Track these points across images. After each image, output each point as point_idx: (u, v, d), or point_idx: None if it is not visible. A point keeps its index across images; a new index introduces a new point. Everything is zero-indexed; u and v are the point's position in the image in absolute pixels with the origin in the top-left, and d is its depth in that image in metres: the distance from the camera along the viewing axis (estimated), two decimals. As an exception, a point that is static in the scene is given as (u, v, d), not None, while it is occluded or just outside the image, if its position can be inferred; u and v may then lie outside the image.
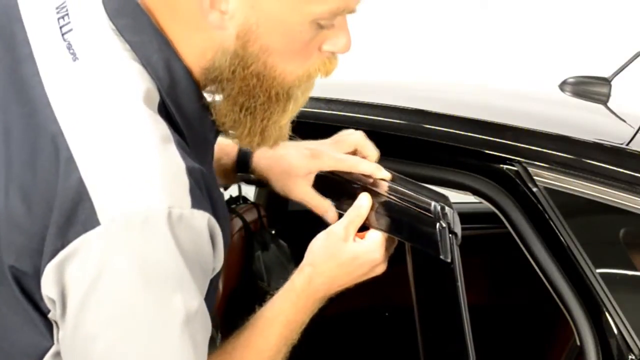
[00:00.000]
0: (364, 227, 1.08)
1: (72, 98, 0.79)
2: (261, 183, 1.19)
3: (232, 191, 2.53)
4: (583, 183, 1.25)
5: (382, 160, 1.31)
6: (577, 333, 1.23)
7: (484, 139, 1.33)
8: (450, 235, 1.11)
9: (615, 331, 1.18)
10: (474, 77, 2.28)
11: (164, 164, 0.76)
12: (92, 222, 0.73)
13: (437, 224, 1.11)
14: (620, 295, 1.19)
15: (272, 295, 1.04)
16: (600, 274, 1.20)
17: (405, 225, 1.13)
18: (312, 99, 1.46)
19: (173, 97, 0.83)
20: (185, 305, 0.77)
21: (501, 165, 1.29)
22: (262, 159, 1.12)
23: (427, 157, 1.34)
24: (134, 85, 0.80)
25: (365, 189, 1.12)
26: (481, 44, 4.08)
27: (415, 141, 1.34)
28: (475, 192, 1.32)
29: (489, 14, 4.15)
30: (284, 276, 2.64)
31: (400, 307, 2.47)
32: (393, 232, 1.10)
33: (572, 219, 1.23)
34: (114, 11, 0.84)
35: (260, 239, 2.43)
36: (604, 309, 1.19)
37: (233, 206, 2.47)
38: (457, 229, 1.14)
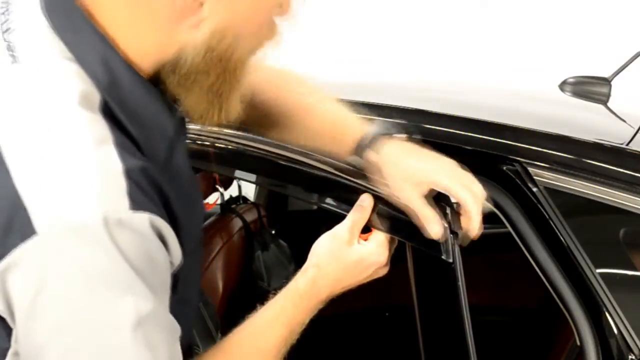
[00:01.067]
0: (366, 228, 1.08)
1: (7, 104, 0.78)
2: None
3: (232, 191, 2.53)
4: (583, 183, 1.25)
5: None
6: (577, 333, 1.23)
7: (484, 139, 1.33)
8: (451, 235, 1.11)
9: (615, 331, 1.18)
10: (474, 77, 2.27)
11: (98, 168, 0.75)
12: (28, 231, 0.72)
13: (438, 224, 1.11)
14: (620, 295, 1.19)
15: (273, 294, 1.03)
16: (600, 274, 1.20)
17: (406, 225, 1.13)
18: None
19: (115, 96, 0.81)
20: (136, 308, 0.74)
21: (501, 165, 1.29)
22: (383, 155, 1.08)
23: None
24: (70, 87, 0.78)
25: (364, 185, 1.13)
26: (481, 43, 4.08)
27: (415, 141, 1.34)
28: (475, 192, 1.32)
29: (488, 14, 4.15)
30: (284, 276, 2.65)
31: (400, 307, 2.47)
32: (394, 232, 1.10)
33: (572, 219, 1.23)
34: (49, 8, 0.82)
35: (260, 239, 2.44)
36: (604, 309, 1.19)
37: (233, 206, 2.48)
38: (458, 228, 1.14)
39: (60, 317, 0.73)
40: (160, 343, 0.78)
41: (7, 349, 0.79)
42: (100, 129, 0.78)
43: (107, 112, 0.80)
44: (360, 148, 1.10)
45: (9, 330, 0.78)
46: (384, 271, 1.04)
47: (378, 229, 1.07)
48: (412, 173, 1.03)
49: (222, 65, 0.86)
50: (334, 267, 1.01)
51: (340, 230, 1.02)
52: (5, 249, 0.73)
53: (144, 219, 0.76)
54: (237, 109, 0.92)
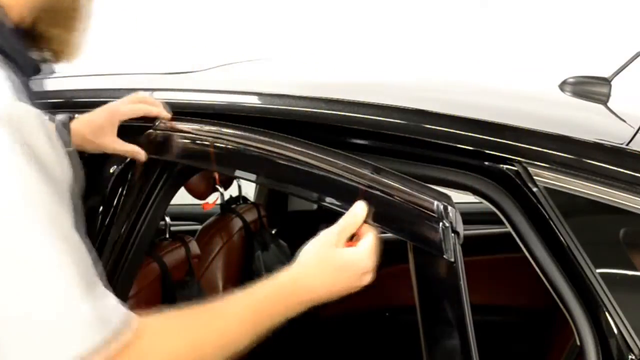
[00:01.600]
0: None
1: None
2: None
3: (232, 191, 2.53)
4: (583, 183, 1.25)
5: (383, 160, 1.32)
6: (577, 333, 1.23)
7: (484, 139, 1.33)
8: (453, 234, 1.11)
9: (615, 331, 1.18)
10: (474, 77, 2.27)
11: None
12: None
13: (440, 223, 1.11)
14: (620, 295, 1.19)
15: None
16: (600, 274, 1.20)
17: (407, 224, 1.13)
18: (312, 99, 1.47)
19: None
20: (48, 199, 0.79)
21: (501, 165, 1.29)
22: (76, 132, 1.31)
23: (427, 157, 1.34)
24: None
25: (367, 188, 1.13)
26: (481, 43, 4.08)
27: (415, 141, 1.34)
28: (475, 192, 1.32)
29: (489, 14, 4.15)
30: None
31: (401, 307, 2.47)
32: (395, 231, 1.10)
33: (572, 219, 1.23)
34: None
35: (260, 239, 2.44)
36: (604, 309, 1.19)
37: (233, 206, 2.48)
38: (459, 228, 1.14)
39: None
40: (71, 231, 0.81)
41: None
42: None
43: None
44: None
45: None
46: (369, 278, 1.03)
47: (378, 228, 1.07)
48: (101, 122, 1.33)
49: (80, 2, 1.01)
50: (319, 269, 1.00)
51: (328, 234, 1.02)
52: None
53: (32, 110, 0.82)
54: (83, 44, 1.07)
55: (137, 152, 1.36)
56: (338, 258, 1.00)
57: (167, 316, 0.90)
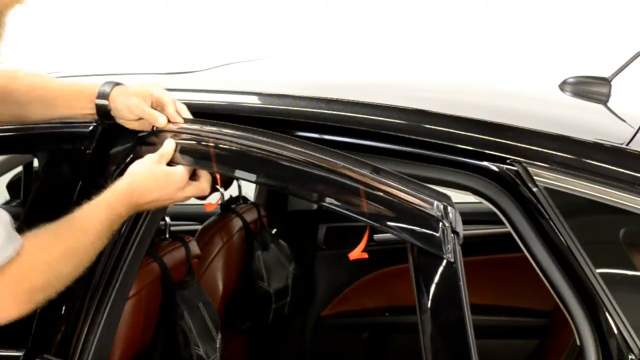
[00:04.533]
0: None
1: None
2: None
3: (232, 191, 2.53)
4: (583, 183, 1.25)
5: (383, 161, 1.32)
6: (577, 333, 1.23)
7: (484, 139, 1.33)
8: (453, 234, 1.11)
9: (615, 331, 1.18)
10: (474, 77, 2.27)
11: None
12: None
13: (440, 224, 1.11)
14: (620, 295, 1.19)
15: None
16: (600, 274, 1.20)
17: (407, 224, 1.13)
18: (312, 99, 1.47)
19: None
20: None
21: (501, 165, 1.29)
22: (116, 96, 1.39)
23: (427, 157, 1.33)
24: None
25: (364, 185, 1.13)
26: (482, 43, 4.08)
27: (415, 141, 1.34)
28: (475, 192, 1.32)
29: (490, 14, 4.15)
30: (284, 276, 2.64)
31: (401, 307, 2.47)
32: (395, 231, 1.10)
33: (572, 219, 1.23)
34: None
35: (260, 239, 2.43)
36: (604, 309, 1.19)
37: (233, 206, 2.48)
38: (459, 228, 1.14)
39: None
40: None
41: None
42: None
43: None
44: (97, 104, 1.38)
45: None
46: (184, 194, 1.30)
47: (380, 230, 1.07)
48: (136, 91, 1.37)
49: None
50: (147, 177, 1.27)
51: (152, 155, 1.29)
52: None
53: None
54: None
55: (159, 116, 1.34)
56: (159, 170, 1.28)
57: (37, 232, 1.18)
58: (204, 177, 1.33)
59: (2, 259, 1.10)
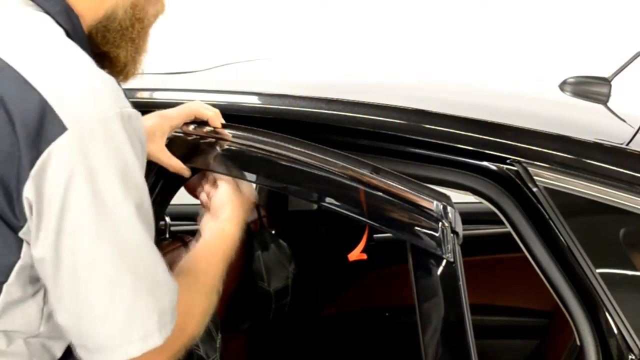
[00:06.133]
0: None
1: (3, 41, 0.92)
2: None
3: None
4: (583, 183, 1.25)
5: (383, 161, 1.32)
6: (577, 333, 1.23)
7: (484, 139, 1.33)
8: (452, 234, 1.11)
9: (615, 331, 1.18)
10: (474, 77, 2.28)
11: (104, 78, 0.92)
12: (60, 128, 0.85)
13: (440, 223, 1.11)
14: (620, 295, 1.19)
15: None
16: (600, 274, 1.20)
17: (407, 224, 1.13)
18: (312, 99, 1.47)
19: (75, 40, 0.97)
20: (139, 197, 0.91)
21: (501, 165, 1.29)
22: None
23: (427, 157, 1.34)
24: (54, 26, 0.95)
25: (364, 185, 1.13)
26: (481, 43, 4.08)
27: (415, 141, 1.34)
28: (475, 192, 1.32)
29: (489, 14, 4.15)
30: (284, 276, 2.64)
31: (401, 307, 2.47)
32: (395, 231, 1.10)
33: (572, 219, 1.23)
34: None
35: (260, 239, 2.43)
36: (604, 309, 1.19)
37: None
38: (459, 228, 1.14)
39: (92, 201, 0.86)
40: (152, 224, 0.94)
41: (15, 262, 0.90)
42: (87, 54, 0.95)
43: None
44: None
45: (19, 243, 0.89)
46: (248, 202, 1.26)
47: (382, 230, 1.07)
48: (151, 127, 1.25)
49: (140, 23, 1.07)
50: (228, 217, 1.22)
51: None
52: (40, 149, 0.85)
53: (140, 117, 0.94)
54: (142, 67, 1.16)
55: (182, 168, 1.28)
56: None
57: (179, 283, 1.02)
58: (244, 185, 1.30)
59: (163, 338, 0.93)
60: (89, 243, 0.87)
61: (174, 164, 1.28)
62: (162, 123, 1.28)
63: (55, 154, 0.85)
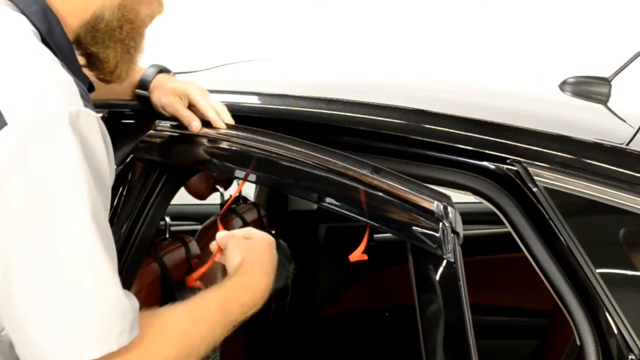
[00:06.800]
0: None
1: None
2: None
3: (233, 191, 2.53)
4: (583, 183, 1.25)
5: (383, 161, 1.32)
6: (577, 333, 1.23)
7: (484, 139, 1.33)
8: (453, 234, 1.11)
9: (615, 331, 1.18)
10: (474, 76, 2.27)
11: (57, 75, 0.90)
12: (1, 123, 0.83)
13: (440, 224, 1.11)
14: (620, 295, 1.19)
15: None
16: (600, 274, 1.20)
17: (407, 224, 1.13)
18: (312, 99, 1.47)
19: (50, 41, 0.97)
20: (90, 199, 0.86)
21: (501, 165, 1.29)
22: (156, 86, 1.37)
23: (427, 157, 1.34)
24: (23, 26, 0.95)
25: (364, 185, 1.13)
26: (481, 43, 4.08)
27: (415, 141, 1.34)
28: (475, 192, 1.32)
29: (488, 13, 4.15)
30: (284, 276, 2.64)
31: (401, 307, 2.47)
32: (395, 231, 1.10)
33: (572, 219, 1.23)
34: None
35: (260, 239, 2.43)
36: (604, 309, 1.19)
37: (233, 206, 2.47)
38: (459, 228, 1.14)
39: (26, 198, 0.83)
40: (106, 230, 0.91)
41: None
42: (50, 52, 0.94)
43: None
44: (136, 94, 1.37)
45: None
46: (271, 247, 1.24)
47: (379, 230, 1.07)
48: (174, 87, 1.35)
49: (130, 24, 1.06)
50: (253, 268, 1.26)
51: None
52: None
53: (94, 116, 0.90)
54: (136, 69, 1.17)
55: (193, 119, 1.32)
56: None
57: (163, 322, 0.99)
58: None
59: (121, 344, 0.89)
60: (19, 246, 0.83)
61: (188, 114, 1.32)
62: (185, 87, 1.34)
63: None
